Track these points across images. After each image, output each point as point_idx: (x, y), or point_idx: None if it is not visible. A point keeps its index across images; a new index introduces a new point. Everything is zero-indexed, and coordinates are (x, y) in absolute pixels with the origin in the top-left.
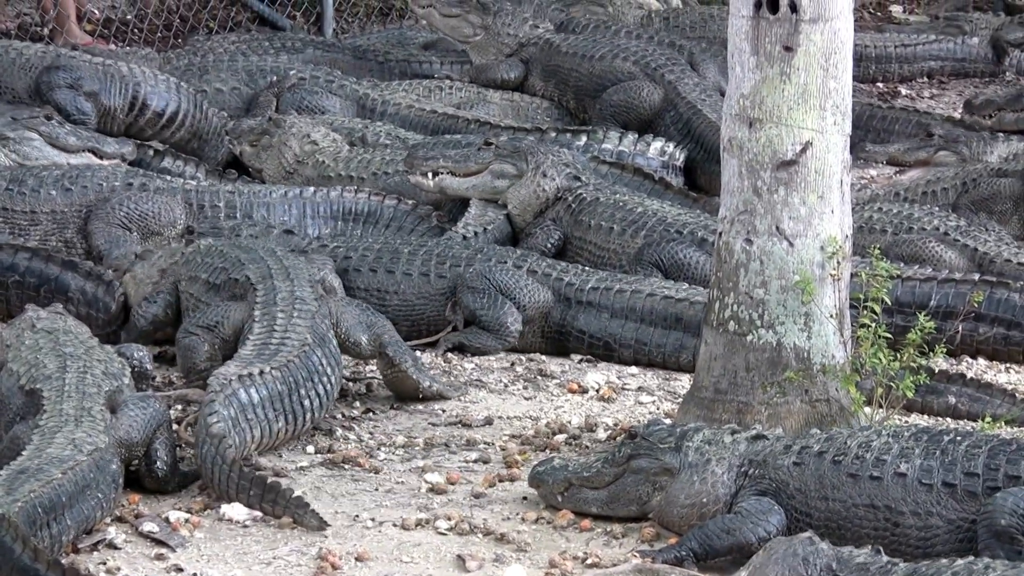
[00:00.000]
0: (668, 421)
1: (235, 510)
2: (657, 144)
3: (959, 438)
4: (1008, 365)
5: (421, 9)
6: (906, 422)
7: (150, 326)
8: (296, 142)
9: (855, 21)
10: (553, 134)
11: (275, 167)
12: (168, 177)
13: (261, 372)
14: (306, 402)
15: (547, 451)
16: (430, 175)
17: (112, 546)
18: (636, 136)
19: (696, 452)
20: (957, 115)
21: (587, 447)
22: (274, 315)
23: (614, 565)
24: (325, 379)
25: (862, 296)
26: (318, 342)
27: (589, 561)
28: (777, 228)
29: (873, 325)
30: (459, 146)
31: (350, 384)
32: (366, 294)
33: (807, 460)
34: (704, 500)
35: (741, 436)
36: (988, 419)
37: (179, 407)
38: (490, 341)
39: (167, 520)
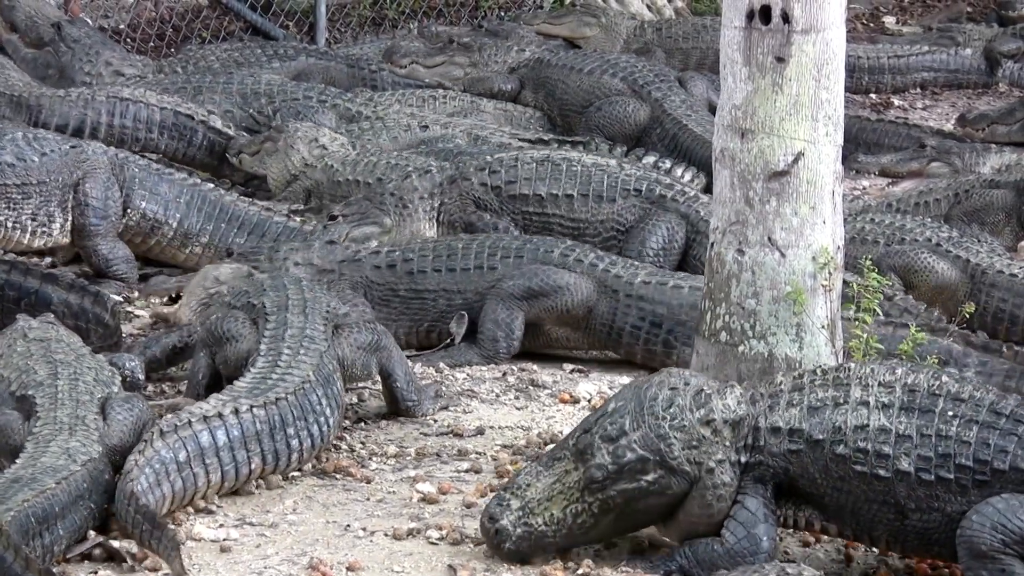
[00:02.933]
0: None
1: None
2: (649, 159)
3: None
4: None
5: (403, 69)
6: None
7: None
8: (304, 146)
9: (848, 32)
10: (556, 145)
11: (279, 170)
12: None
13: (236, 411)
14: (294, 442)
15: None
16: None
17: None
18: (624, 149)
19: (692, 464)
20: (949, 127)
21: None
22: (280, 350)
23: None
24: (323, 419)
25: (853, 306)
26: (321, 381)
27: (580, 572)
28: (769, 239)
29: (865, 336)
30: (312, 240)
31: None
32: (434, 296)
33: (804, 448)
34: (720, 517)
35: (722, 428)
36: None
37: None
38: (476, 359)
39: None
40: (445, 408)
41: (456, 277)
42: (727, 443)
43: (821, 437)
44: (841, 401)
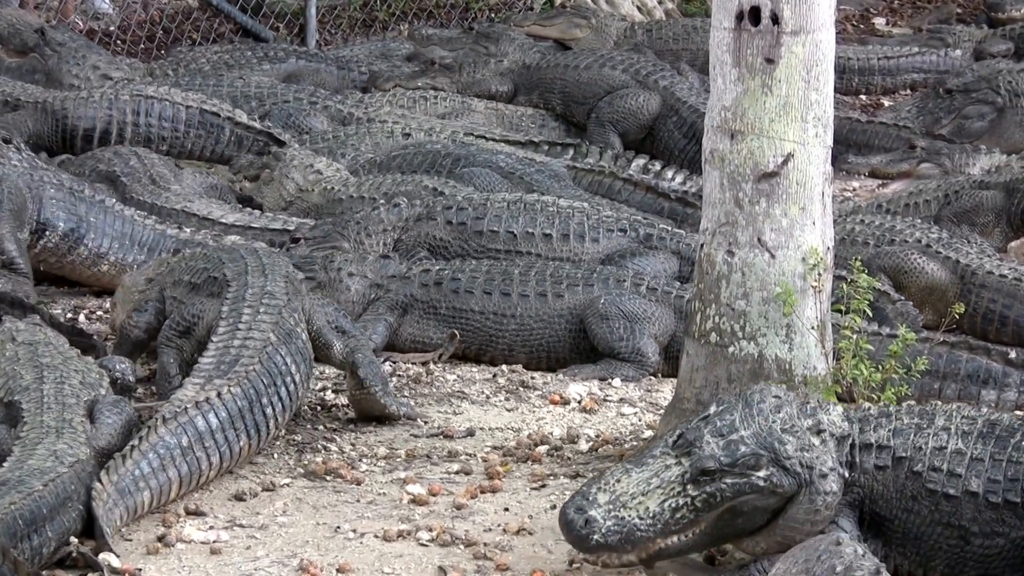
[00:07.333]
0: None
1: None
2: (639, 162)
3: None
4: None
5: (387, 93)
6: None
7: (144, 335)
8: (299, 173)
9: (838, 33)
10: (546, 147)
11: (275, 199)
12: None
13: (219, 393)
14: (268, 410)
15: (529, 463)
16: None
17: (91, 559)
18: (615, 152)
19: (804, 467)
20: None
21: (569, 458)
22: (240, 311)
23: None
24: (289, 379)
25: (843, 308)
26: (283, 339)
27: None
28: (759, 240)
29: (855, 336)
30: (367, 253)
31: (332, 396)
32: (481, 317)
33: (890, 464)
34: (819, 528)
35: (829, 440)
36: None
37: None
38: (630, 372)
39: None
40: (413, 413)
41: (512, 301)
42: (834, 455)
43: (904, 455)
44: (925, 426)
